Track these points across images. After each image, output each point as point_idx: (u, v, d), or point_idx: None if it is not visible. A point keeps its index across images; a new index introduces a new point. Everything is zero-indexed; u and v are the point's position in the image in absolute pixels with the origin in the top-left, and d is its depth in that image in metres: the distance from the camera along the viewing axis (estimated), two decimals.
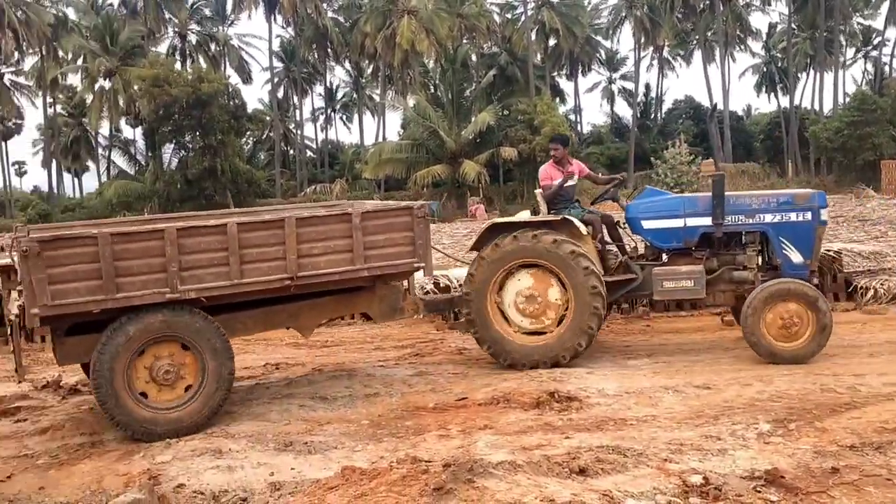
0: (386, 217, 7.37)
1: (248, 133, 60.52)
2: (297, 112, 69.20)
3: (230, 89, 53.19)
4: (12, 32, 56.55)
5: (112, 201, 48.42)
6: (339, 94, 75.29)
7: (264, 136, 67.52)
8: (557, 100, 61.65)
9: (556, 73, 66.45)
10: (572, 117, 68.35)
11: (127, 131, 63.59)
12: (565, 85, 71.17)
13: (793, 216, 8.43)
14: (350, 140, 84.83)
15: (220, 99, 48.42)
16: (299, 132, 69.00)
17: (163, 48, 62.32)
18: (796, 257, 8.42)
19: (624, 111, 73.22)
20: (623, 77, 72.84)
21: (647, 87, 71.60)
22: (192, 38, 63.63)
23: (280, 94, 67.73)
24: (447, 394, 7.72)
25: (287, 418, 7.20)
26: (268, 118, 63.74)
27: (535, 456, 5.42)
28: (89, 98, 58.26)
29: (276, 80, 64.98)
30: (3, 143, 65.32)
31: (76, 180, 72.82)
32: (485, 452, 5.63)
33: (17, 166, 75.05)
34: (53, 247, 5.88)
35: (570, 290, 8.30)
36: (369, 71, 65.33)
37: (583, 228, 8.55)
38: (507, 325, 8.53)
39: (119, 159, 63.12)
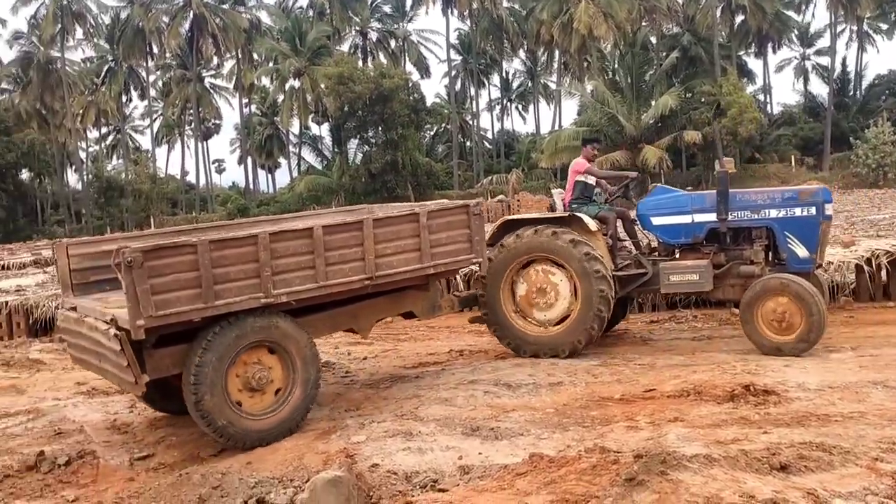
0: (446, 216, 7.62)
1: (427, 126, 61.89)
2: (474, 104, 70.06)
3: (410, 84, 54.61)
4: (212, 38, 61.03)
5: (302, 195, 51.07)
6: (515, 84, 75.52)
7: (442, 128, 68.86)
8: (745, 80, 58.64)
9: (742, 52, 63.19)
10: (761, 97, 64.89)
11: (315, 128, 66.94)
12: (753, 64, 67.83)
13: (798, 211, 8.60)
14: (526, 130, 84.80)
15: (400, 94, 49.83)
16: (476, 123, 69.84)
17: (345, 46, 64.99)
18: (802, 252, 8.57)
19: (819, 89, 68.54)
20: (818, 53, 68.24)
21: (844, 62, 66.63)
22: (373, 36, 65.90)
23: (457, 86, 68.84)
24: (634, 385, 7.55)
25: (473, 404, 7.29)
26: (445, 111, 64.91)
27: (731, 450, 5.17)
28: (280, 98, 61.83)
29: (453, 72, 66.09)
30: (204, 143, 70.66)
31: (269, 176, 77.47)
32: (677, 445, 5.45)
33: (216, 164, 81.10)
34: (155, 256, 5.78)
35: (576, 279, 8.76)
36: (545, 59, 65.05)
37: (592, 225, 8.93)
38: (522, 320, 9.04)
39: (308, 155, 66.59)
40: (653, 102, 46.74)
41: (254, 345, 6.45)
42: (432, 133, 68.90)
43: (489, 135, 75.62)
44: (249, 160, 67.91)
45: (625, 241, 9.56)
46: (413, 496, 5.07)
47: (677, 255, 9.06)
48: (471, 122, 69.93)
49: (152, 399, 7.37)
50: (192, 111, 66.53)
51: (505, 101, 75.75)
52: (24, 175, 60.53)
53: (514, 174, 49.19)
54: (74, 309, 6.81)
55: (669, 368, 8.08)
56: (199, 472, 5.37)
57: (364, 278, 7.02)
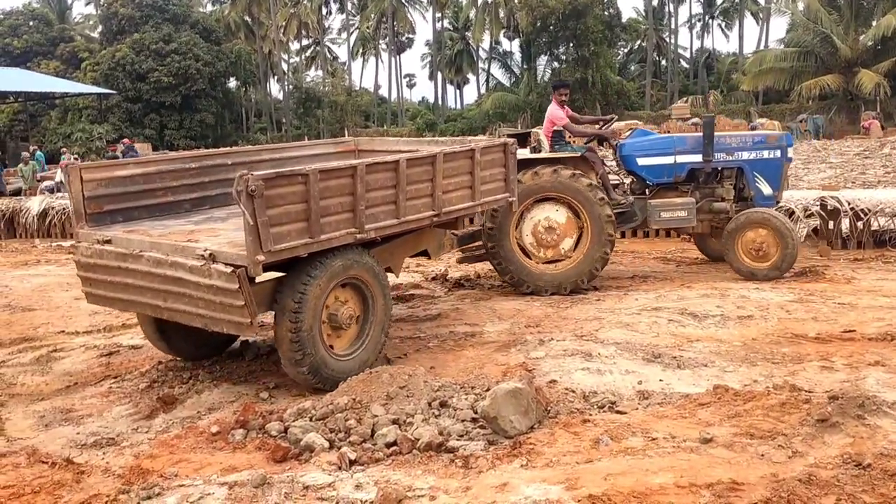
0: (490, 153, 7.39)
1: (621, 43, 59.73)
2: (673, 20, 66.63)
3: None
4: None
5: (489, 112, 51.12)
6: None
7: (637, 45, 66.18)
8: None
9: None
10: None
11: (505, 44, 66.30)
12: None
13: (766, 154, 9.64)
14: (728, 49, 79.84)
15: (595, 9, 48.18)
16: (673, 41, 66.57)
17: None
18: (767, 189, 9.64)
19: None
20: None
21: None
22: None
23: (655, 1, 65.63)
24: (831, 324, 7.14)
25: (656, 331, 7.19)
26: (642, 27, 62.26)
27: None
28: (472, 12, 61.47)
29: None
30: (397, 57, 71.84)
31: (458, 92, 77.98)
32: (877, 389, 5.14)
33: (407, 78, 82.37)
34: (272, 185, 5.33)
35: (585, 220, 9.06)
36: None
37: (598, 164, 9.42)
38: (525, 257, 9.20)
39: (497, 72, 66.20)
40: (874, 22, 42.49)
41: (344, 282, 6.13)
42: (626, 50, 66.42)
43: (687, 54, 71.91)
44: (439, 75, 68.55)
45: (616, 182, 10.05)
46: (590, 415, 5.10)
47: (649, 194, 9.77)
48: (668, 40, 66.71)
49: (168, 341, 6.89)
50: (386, 25, 67.65)
51: (707, 18, 71.39)
52: (232, 84, 64.17)
53: (713, 95, 46.68)
54: (109, 242, 6.09)
55: (873, 310, 7.57)
56: (387, 371, 5.64)
57: (432, 215, 6.79)
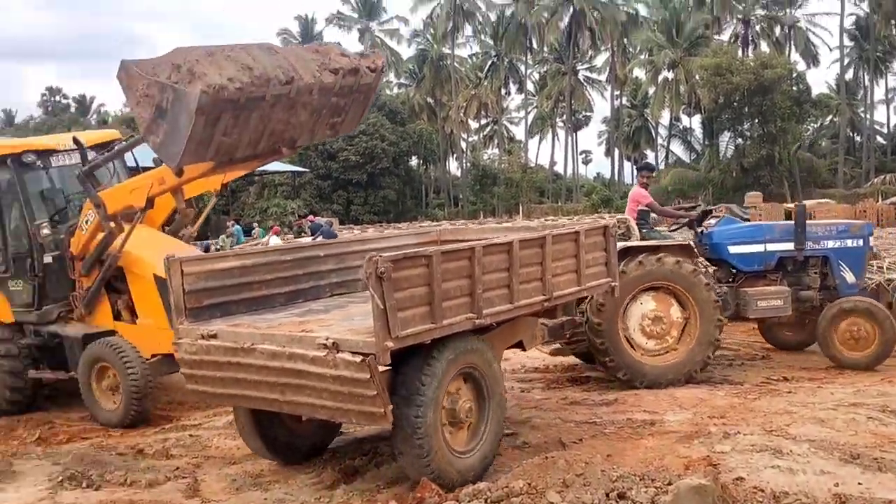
0: (591, 236, 7.13)
1: (810, 119, 57.32)
2: (868, 95, 63.27)
3: (794, 74, 50.91)
4: (589, 32, 62.34)
5: (668, 188, 50.27)
6: None
7: (828, 121, 63.25)
8: None
9: None
10: None
11: (685, 120, 65.34)
12: None
13: (850, 242, 9.72)
14: None
15: (782, 84, 46.73)
16: (869, 116, 63.10)
17: (725, 36, 62.41)
18: (850, 278, 9.64)
19: None
20: None
21: None
22: (756, 24, 62.39)
23: (849, 75, 62.72)
24: None
25: (854, 429, 6.68)
26: (834, 102, 59.53)
27: None
28: (652, 89, 61.22)
29: (845, 61, 60.29)
30: (574, 134, 72.46)
31: (634, 168, 77.29)
32: None
33: (583, 155, 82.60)
34: (399, 267, 5.14)
35: (692, 307, 8.83)
36: None
37: (697, 254, 9.18)
38: (632, 349, 8.82)
39: (676, 148, 65.25)
40: None
41: (461, 372, 5.84)
42: (816, 126, 63.62)
43: (884, 129, 67.83)
44: (616, 151, 68.40)
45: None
46: None
47: (738, 282, 9.64)
48: (863, 115, 63.32)
49: (272, 442, 6.53)
50: (564, 103, 68.58)
51: None
52: (413, 162, 67.00)
53: None
54: (214, 336, 5.81)
55: None
56: (563, 457, 5.56)
57: (543, 299, 6.47)
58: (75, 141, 8.90)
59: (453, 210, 63.92)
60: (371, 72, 6.68)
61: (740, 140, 50.96)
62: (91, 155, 8.75)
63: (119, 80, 5.89)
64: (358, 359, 5.02)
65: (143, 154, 8.42)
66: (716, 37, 60.33)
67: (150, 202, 7.96)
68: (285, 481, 6.19)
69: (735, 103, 47.48)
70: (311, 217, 31.01)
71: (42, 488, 6.35)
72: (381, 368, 5.08)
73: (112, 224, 8.15)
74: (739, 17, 61.52)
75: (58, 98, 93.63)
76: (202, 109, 5.53)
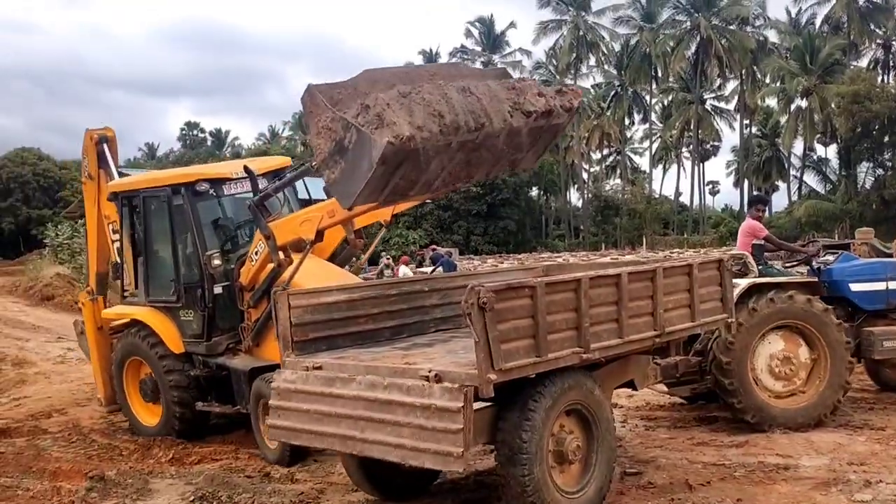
0: (705, 270, 6.84)
1: None
2: None
3: None
4: (717, 60, 60.97)
5: (801, 220, 48.29)
6: None
7: None
8: None
9: None
10: None
11: (820, 150, 62.66)
12: None
13: None
14: None
15: None
16: None
17: (863, 62, 59.71)
18: None
19: None
20: None
21: None
22: None
23: None
24: None
25: None
26: None
27: None
28: (783, 118, 59.11)
29: None
30: (700, 165, 70.64)
31: (746, 202, 74.48)
32: None
33: (710, 185, 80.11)
34: (502, 298, 5.04)
35: (821, 348, 8.40)
36: None
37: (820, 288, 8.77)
38: (760, 391, 8.35)
39: (810, 178, 62.55)
40: None
41: (568, 409, 5.65)
42: None
43: None
44: (745, 182, 66.19)
45: None
46: None
47: (857, 321, 9.10)
48: None
49: (370, 477, 6.43)
50: (690, 133, 67.11)
51: None
52: (534, 192, 66.95)
53: None
54: (320, 368, 5.82)
55: None
56: (690, 499, 5.38)
57: (655, 335, 6.21)
58: (246, 169, 8.70)
59: (574, 241, 63.39)
60: (566, 112, 6.35)
61: (880, 171, 48.39)
62: (261, 183, 8.64)
63: (302, 104, 5.68)
64: (455, 385, 4.93)
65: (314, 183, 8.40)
66: (853, 63, 57.77)
67: (319, 235, 7.78)
68: None
69: (874, 132, 45.29)
70: (432, 247, 31.42)
71: None
72: (475, 406, 5.01)
73: (281, 255, 7.97)
74: (879, 41, 58.75)
75: (195, 132, 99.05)
76: (385, 159, 5.23)
